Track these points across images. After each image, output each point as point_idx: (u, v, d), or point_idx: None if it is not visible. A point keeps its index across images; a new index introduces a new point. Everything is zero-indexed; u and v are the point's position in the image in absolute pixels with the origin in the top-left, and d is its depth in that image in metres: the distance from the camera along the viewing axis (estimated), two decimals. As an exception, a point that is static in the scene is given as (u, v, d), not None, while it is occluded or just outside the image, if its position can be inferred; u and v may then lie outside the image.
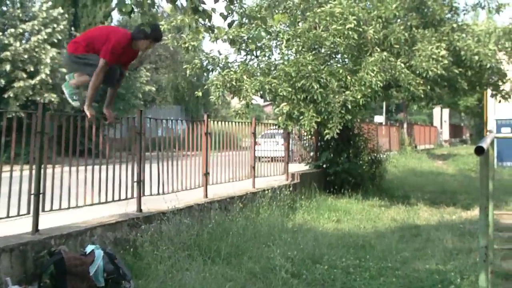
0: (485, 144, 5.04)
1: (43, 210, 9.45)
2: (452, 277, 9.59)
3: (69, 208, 10.11)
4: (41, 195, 9.31)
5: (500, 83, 19.82)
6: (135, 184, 11.65)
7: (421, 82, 16.82)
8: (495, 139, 29.59)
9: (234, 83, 17.92)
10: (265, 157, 17.73)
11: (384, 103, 60.48)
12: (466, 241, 12.67)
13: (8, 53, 28.11)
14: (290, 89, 16.85)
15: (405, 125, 50.61)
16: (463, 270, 10.03)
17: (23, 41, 29.36)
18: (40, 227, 9.10)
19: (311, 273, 9.82)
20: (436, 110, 69.46)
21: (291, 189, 17.08)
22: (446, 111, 70.98)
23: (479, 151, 4.84)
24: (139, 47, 8.95)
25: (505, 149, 32.22)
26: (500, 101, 20.43)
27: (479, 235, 5.25)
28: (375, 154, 23.22)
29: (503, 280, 10.00)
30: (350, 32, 16.55)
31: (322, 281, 9.52)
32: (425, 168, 33.30)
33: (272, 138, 19.64)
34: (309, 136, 21.20)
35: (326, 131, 16.75)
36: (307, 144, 21.42)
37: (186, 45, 18.56)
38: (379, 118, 59.24)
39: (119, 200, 11.24)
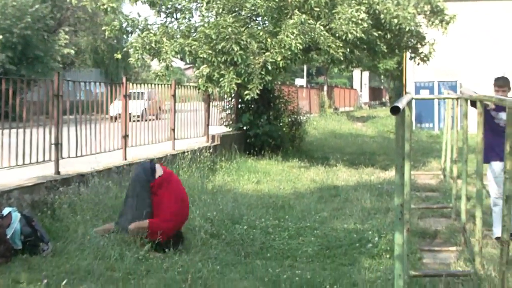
0: (400, 104, 5.09)
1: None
2: (370, 236, 9.75)
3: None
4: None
5: (419, 46, 20.02)
6: (52, 146, 11.50)
7: (341, 45, 16.89)
8: (413, 101, 30.01)
9: (153, 45, 17.72)
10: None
11: (305, 66, 60.83)
12: (384, 200, 12.85)
13: None
14: (210, 52, 16.76)
15: (325, 88, 50.93)
16: (380, 229, 10.20)
17: None
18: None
19: (230, 233, 9.86)
20: (356, 73, 70.06)
21: (211, 151, 17.06)
22: (366, 74, 71.62)
23: (395, 110, 4.89)
24: None
25: (424, 112, 32.72)
26: (418, 64, 20.66)
27: (395, 194, 5.33)
28: (295, 116, 23.31)
29: (419, 238, 10.21)
30: (271, -6, 16.54)
31: (241, 241, 9.56)
32: (345, 130, 33.62)
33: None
34: (230, 98, 21.16)
35: (246, 92, 16.74)
36: (227, 106, 21.37)
37: (105, 6, 18.22)
38: (300, 81, 59.63)
39: (37, 162, 11.09)
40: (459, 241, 9.64)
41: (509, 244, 5.32)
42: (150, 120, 16.08)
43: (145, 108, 16.04)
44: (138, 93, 16.19)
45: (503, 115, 9.41)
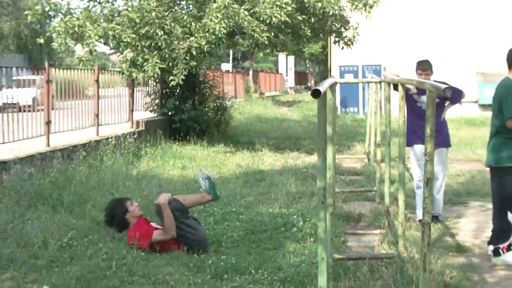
0: (322, 88, 5.10)
1: None
2: (295, 220, 9.77)
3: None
4: None
5: (343, 30, 20.17)
6: (-29, 133, 11.29)
7: (265, 29, 16.92)
8: (338, 85, 30.24)
9: (76, 29, 17.50)
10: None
11: (231, 51, 60.79)
12: (308, 185, 12.92)
13: None
14: (134, 36, 16.63)
15: (250, 73, 50.98)
16: (305, 212, 10.23)
17: None
18: None
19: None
20: (282, 58, 70.26)
21: (136, 136, 16.92)
22: (291, 59, 71.90)
23: (316, 94, 4.90)
24: None
25: (349, 96, 33.00)
26: (343, 48, 20.81)
27: (317, 177, 5.34)
28: (221, 101, 23.29)
29: (344, 222, 10.29)
30: (195, -22, 16.47)
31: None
32: (270, 114, 33.70)
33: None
34: (154, 84, 21.01)
35: (171, 77, 16.66)
36: (152, 92, 21.22)
37: (28, -10, 17.95)
38: (226, 66, 59.52)
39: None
40: (383, 224, 9.73)
41: (431, 226, 5.38)
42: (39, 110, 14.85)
43: (35, 97, 15.06)
44: (28, 80, 15.26)
45: (424, 98, 9.51)
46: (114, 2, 18.46)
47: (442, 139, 10.22)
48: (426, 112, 5.15)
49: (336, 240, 8.78)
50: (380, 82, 12.25)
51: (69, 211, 10.06)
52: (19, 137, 12.86)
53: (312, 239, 8.73)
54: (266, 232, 9.34)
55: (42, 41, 19.43)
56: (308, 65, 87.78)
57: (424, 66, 10.10)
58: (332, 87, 8.75)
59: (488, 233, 8.67)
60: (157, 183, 12.56)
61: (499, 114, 8.05)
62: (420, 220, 9.49)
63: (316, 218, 8.52)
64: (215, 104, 22.50)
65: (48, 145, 13.50)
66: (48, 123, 13.73)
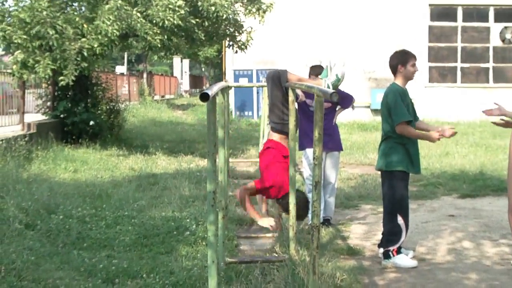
0: (210, 91, 5.11)
1: None
2: (188, 223, 9.75)
3: None
4: None
5: (237, 34, 20.24)
6: None
7: (158, 31, 16.84)
8: (233, 89, 30.32)
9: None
10: None
11: (126, 54, 60.31)
12: (202, 188, 12.90)
13: None
14: (25, 37, 16.32)
15: (145, 75, 50.67)
16: (198, 216, 10.21)
17: None
18: None
19: (46, 224, 9.62)
20: (176, 61, 70.07)
21: (27, 139, 16.55)
22: (186, 62, 71.81)
23: (204, 97, 4.91)
24: None
25: (244, 100, 33.12)
26: (236, 52, 20.89)
27: (208, 181, 5.34)
28: (114, 104, 23.05)
29: (237, 225, 10.33)
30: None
31: (58, 231, 9.34)
32: (165, 118, 33.57)
33: None
34: (46, 85, 20.65)
35: (61, 78, 16.40)
36: (44, 94, 20.84)
37: None
38: (121, 69, 59.06)
39: None
40: (276, 228, 9.82)
41: (320, 229, 5.44)
42: None
43: None
44: None
45: None
46: (4, 3, 18.04)
47: (334, 143, 10.41)
48: (314, 116, 5.21)
49: (229, 243, 8.82)
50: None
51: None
52: None
53: (204, 243, 8.73)
54: (158, 236, 9.29)
55: None
56: (203, 69, 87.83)
57: (317, 71, 10.24)
58: (224, 90, 8.78)
59: (379, 236, 8.84)
60: (48, 187, 12.34)
61: (388, 119, 8.24)
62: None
63: (208, 221, 8.54)
64: (108, 107, 22.23)
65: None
66: None
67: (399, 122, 8.08)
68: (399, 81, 8.39)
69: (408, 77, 8.39)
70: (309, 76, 10.28)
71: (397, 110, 8.11)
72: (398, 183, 8.26)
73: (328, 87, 8.08)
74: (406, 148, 8.24)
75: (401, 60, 8.40)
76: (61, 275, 7.48)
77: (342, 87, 9.98)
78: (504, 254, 8.71)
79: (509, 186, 7.68)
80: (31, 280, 7.27)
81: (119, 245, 8.91)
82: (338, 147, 10.61)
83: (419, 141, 8.42)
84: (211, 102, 5.24)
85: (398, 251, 8.31)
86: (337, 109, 10.42)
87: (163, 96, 55.03)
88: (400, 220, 8.30)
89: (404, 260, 8.29)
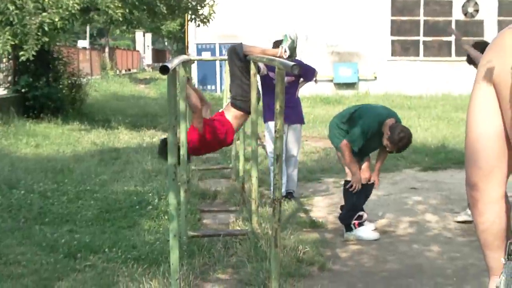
0: (170, 64, 5.07)
1: None
2: (150, 198, 9.73)
3: None
4: None
5: (199, 8, 20.17)
6: None
7: (120, 5, 16.73)
8: (195, 63, 30.23)
9: None
10: None
11: (88, 28, 59.81)
12: (164, 162, 12.85)
13: None
14: (-16, 13, 16.14)
15: (107, 50, 50.32)
16: (160, 190, 10.18)
17: None
18: None
19: (7, 199, 9.55)
20: (139, 35, 69.69)
21: (-13, 114, 16.44)
22: (149, 36, 71.43)
23: (164, 70, 4.87)
24: None
25: (207, 74, 33.03)
26: (199, 25, 20.83)
27: (168, 154, 5.32)
28: (76, 79, 22.89)
29: (199, 199, 10.31)
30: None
31: (19, 206, 9.27)
32: (127, 92, 33.40)
33: None
34: (7, 60, 20.44)
35: (22, 52, 16.25)
36: (4, 68, 20.63)
37: None
38: (83, 43, 58.55)
39: None
40: (238, 201, 9.84)
41: (281, 202, 5.45)
42: None
43: None
44: None
45: None
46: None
47: (296, 116, 10.42)
48: (276, 89, 5.20)
49: (191, 217, 8.81)
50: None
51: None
52: None
53: (167, 217, 8.69)
54: (121, 210, 9.26)
55: None
56: (166, 43, 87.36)
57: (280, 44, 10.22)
58: (186, 64, 8.73)
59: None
60: (9, 161, 12.26)
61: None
62: None
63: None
64: (69, 81, 22.07)
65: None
66: None
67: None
68: None
69: None
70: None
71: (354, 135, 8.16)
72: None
73: (286, 51, 8.05)
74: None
75: None
76: (22, 250, 7.44)
77: (304, 60, 10.02)
78: (465, 226, 8.78)
79: (466, 158, 7.75)
80: (-8, 256, 7.24)
81: (81, 219, 8.85)
82: (300, 120, 10.62)
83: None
84: (171, 75, 5.21)
85: (360, 224, 8.36)
86: (300, 81, 10.41)
87: (128, 70, 54.77)
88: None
89: (366, 232, 8.34)
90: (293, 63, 4.95)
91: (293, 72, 5.00)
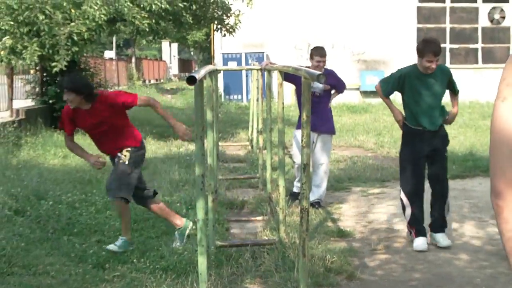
0: (197, 75, 5.09)
1: None
2: (178, 208, 9.75)
3: None
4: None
5: (225, 17, 20.20)
6: None
7: (146, 16, 16.80)
8: (221, 72, 30.28)
9: None
10: None
11: (114, 38, 60.14)
12: (192, 172, 12.80)
13: None
14: (12, 23, 16.26)
15: (133, 60, 50.54)
16: (188, 200, 10.20)
17: None
18: None
19: (36, 210, 9.60)
20: (165, 45, 69.92)
21: (15, 125, 16.51)
22: (175, 46, 71.64)
23: (191, 80, 4.89)
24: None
25: (233, 83, 33.02)
26: (224, 35, 20.87)
27: (196, 165, 5.33)
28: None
29: (227, 209, 10.32)
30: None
31: (47, 217, 9.32)
32: (154, 102, 33.43)
33: None
34: (34, 71, 20.58)
35: (54, 63, 16.38)
36: (32, 79, 20.76)
37: None
38: (110, 53, 58.84)
39: None
40: (266, 211, 9.83)
41: (309, 211, 5.45)
42: None
43: None
44: None
45: (318, 84, 9.70)
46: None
47: (328, 126, 10.44)
48: (302, 98, 5.20)
49: (219, 227, 8.82)
50: (260, 69, 12.34)
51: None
52: None
53: (195, 227, 8.72)
54: (149, 220, 9.29)
55: None
56: (192, 53, 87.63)
57: (322, 52, 10.24)
58: (212, 74, 8.76)
59: (369, 218, 8.90)
60: (38, 173, 12.32)
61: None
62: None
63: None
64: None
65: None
66: None
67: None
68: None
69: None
70: (312, 57, 10.25)
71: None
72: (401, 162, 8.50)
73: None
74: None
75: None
76: (51, 261, 7.50)
77: (330, 68, 10.02)
78: (494, 235, 8.72)
79: (491, 167, 7.71)
80: (21, 266, 7.30)
81: (109, 230, 8.90)
82: (331, 131, 10.64)
83: None
84: (198, 86, 5.23)
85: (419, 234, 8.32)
86: (332, 92, 10.43)
87: (156, 80, 55.00)
88: (402, 195, 8.42)
89: (417, 242, 8.26)
90: (319, 72, 4.96)
91: (319, 82, 5.00)
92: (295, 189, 10.55)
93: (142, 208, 9.80)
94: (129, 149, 8.38)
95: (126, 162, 8.22)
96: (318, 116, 9.71)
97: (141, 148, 8.56)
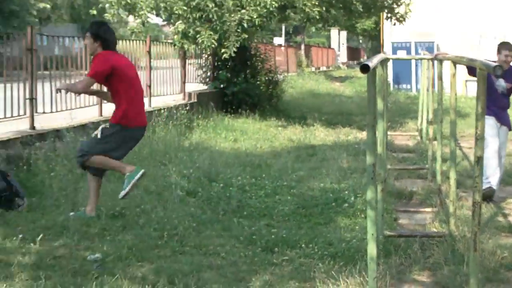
0: (371, 63, 5.09)
1: None
2: (346, 196, 9.74)
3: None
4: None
5: (395, 6, 20.03)
6: (27, 101, 11.43)
7: (316, 3, 16.88)
8: (390, 61, 30.03)
9: (129, 1, 17.58)
10: None
11: (283, 25, 60.62)
12: (360, 160, 12.85)
13: None
14: (185, 8, 16.70)
15: (302, 47, 50.78)
16: (356, 188, 10.16)
17: None
18: None
19: (207, 191, 9.86)
20: (334, 33, 69.78)
21: (188, 108, 16.96)
22: (343, 34, 71.41)
23: (364, 68, 4.90)
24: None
25: (402, 72, 32.69)
26: (395, 24, 20.71)
27: (367, 153, 5.33)
28: (273, 75, 23.26)
29: (395, 199, 10.26)
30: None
31: (218, 198, 9.55)
32: (323, 89, 33.57)
33: None
34: (206, 56, 21.05)
35: (223, 50, 16.70)
36: (204, 64, 21.26)
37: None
38: (279, 40, 59.33)
39: (12, 117, 11.01)
40: (435, 203, 9.72)
41: (481, 205, 5.36)
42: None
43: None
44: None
45: (501, 81, 9.61)
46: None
47: (508, 119, 10.29)
48: (477, 91, 5.12)
49: (387, 217, 8.76)
50: (432, 59, 12.17)
51: (121, 180, 10.18)
52: (73, 106, 12.96)
53: (363, 215, 8.70)
54: (317, 207, 9.34)
55: (94, 12, 19.63)
56: (361, 41, 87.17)
57: (509, 46, 10.01)
58: (383, 63, 8.71)
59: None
60: (209, 155, 12.63)
61: None
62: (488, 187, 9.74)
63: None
64: (267, 78, 22.44)
65: (101, 115, 13.59)
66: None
67: None
68: None
69: None
70: (499, 52, 10.02)
71: None
72: None
73: None
74: None
75: None
76: (221, 242, 7.68)
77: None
78: None
79: None
80: (193, 246, 7.51)
81: (278, 214, 9.02)
82: (509, 124, 10.44)
83: None
84: (371, 74, 5.22)
85: None
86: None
87: (327, 67, 55.12)
88: None
89: None
90: (495, 64, 4.87)
91: (496, 74, 4.90)
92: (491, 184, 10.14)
93: (310, 194, 9.90)
94: (106, 125, 8.65)
95: (99, 136, 8.54)
96: (499, 107, 9.72)
97: (119, 127, 8.61)
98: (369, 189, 5.33)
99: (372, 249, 5.34)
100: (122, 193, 8.48)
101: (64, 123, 11.81)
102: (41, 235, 7.34)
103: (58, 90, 9.24)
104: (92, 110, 13.61)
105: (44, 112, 12.01)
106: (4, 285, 5.99)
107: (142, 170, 8.61)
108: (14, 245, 7.22)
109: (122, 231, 7.93)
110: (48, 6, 37.13)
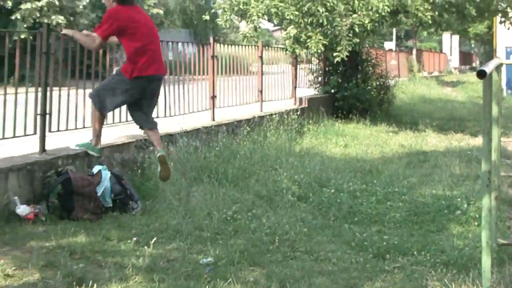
0: (487, 68, 4.99)
1: (49, 131, 9.47)
2: (459, 203, 9.57)
3: (76, 129, 10.17)
4: (47, 116, 9.31)
5: (509, 10, 19.64)
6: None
7: (429, 7, 16.72)
8: (504, 65, 29.38)
9: (241, 6, 17.75)
10: None
11: (394, 30, 60.12)
12: (473, 167, 12.63)
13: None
14: (297, 13, 16.78)
15: (414, 52, 50.22)
16: (469, 196, 9.98)
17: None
18: (47, 147, 9.13)
19: (318, 197, 9.84)
20: (446, 37, 68.80)
21: (298, 113, 16.96)
22: (456, 38, 70.33)
23: (481, 74, 4.81)
24: None
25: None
26: (508, 28, 20.28)
27: (482, 160, 5.24)
28: (384, 80, 23.10)
29: (509, 207, 10.03)
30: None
31: (329, 204, 9.52)
32: (434, 95, 33.14)
33: None
34: (317, 61, 21.07)
35: (335, 53, 16.69)
36: (315, 69, 21.27)
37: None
38: (389, 45, 58.88)
39: (127, 122, 11.23)
40: (551, 212, 9.47)
41: None
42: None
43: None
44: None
45: None
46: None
47: None
48: None
49: (501, 225, 8.57)
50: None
51: (234, 184, 10.26)
52: (186, 111, 13.13)
53: (476, 223, 8.56)
54: (429, 214, 9.21)
55: (207, 17, 19.90)
56: (473, 45, 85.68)
57: None
58: (498, 68, 8.54)
59: None
60: (319, 161, 12.61)
61: None
62: None
63: (481, 201, 8.38)
64: (377, 83, 22.31)
65: (213, 120, 13.75)
66: (213, 97, 13.97)
67: None
68: None
69: None
70: None
71: None
72: None
73: None
74: None
75: None
76: (332, 248, 7.65)
77: None
78: None
79: None
80: (304, 251, 7.51)
81: (389, 221, 8.92)
82: None
83: None
84: (487, 80, 5.13)
85: None
86: None
87: (440, 72, 54.42)
88: None
89: None
90: None
91: None
92: None
93: (422, 201, 9.76)
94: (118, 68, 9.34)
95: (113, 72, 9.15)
96: None
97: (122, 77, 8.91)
98: (484, 196, 5.24)
99: (486, 258, 5.23)
100: (73, 146, 9.25)
101: (177, 127, 11.97)
102: (154, 238, 7.46)
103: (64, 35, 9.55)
104: (204, 115, 13.73)
105: (157, 117, 12.22)
106: (119, 287, 6.11)
107: (98, 154, 9.31)
108: (129, 247, 7.37)
109: (234, 235, 8.00)
110: (161, 11, 37.74)
